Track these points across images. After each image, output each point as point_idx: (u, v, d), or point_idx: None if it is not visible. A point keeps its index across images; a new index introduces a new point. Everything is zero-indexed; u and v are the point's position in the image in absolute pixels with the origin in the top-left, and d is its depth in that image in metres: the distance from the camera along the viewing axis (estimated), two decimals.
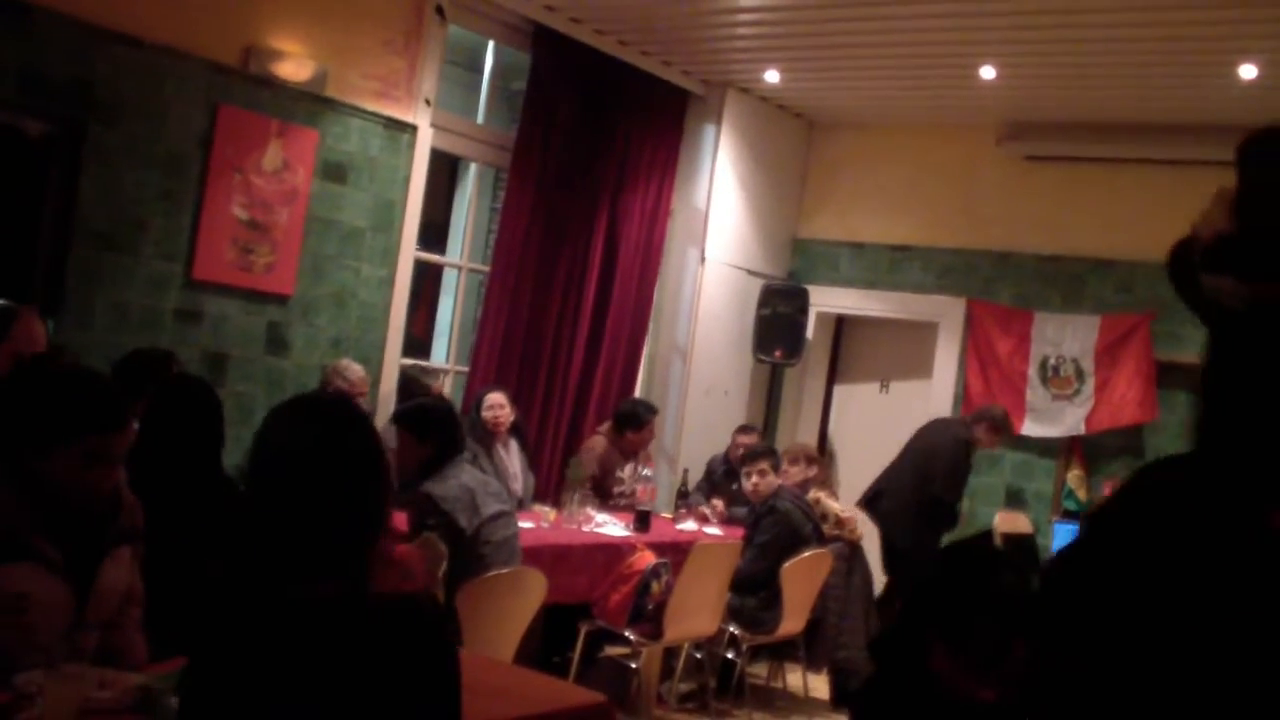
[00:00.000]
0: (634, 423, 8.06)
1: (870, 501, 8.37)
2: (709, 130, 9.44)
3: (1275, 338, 2.00)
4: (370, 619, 2.21)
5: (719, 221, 9.47)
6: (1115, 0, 6.62)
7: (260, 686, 2.08)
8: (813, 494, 7.65)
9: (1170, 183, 8.84)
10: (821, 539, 7.17)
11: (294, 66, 6.90)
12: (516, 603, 5.16)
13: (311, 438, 2.26)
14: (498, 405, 7.54)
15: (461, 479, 5.16)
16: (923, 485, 8.17)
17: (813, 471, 7.81)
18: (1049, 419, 9.22)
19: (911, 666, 2.63)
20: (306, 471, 2.22)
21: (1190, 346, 8.74)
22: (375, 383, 7.51)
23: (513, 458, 7.61)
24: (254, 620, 2.13)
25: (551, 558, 6.08)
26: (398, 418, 5.57)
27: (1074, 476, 9.08)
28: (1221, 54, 7.24)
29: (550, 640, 6.46)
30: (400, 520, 5.25)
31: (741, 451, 8.07)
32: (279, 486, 2.24)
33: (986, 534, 7.92)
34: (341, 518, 2.22)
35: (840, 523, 7.58)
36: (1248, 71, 7.37)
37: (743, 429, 8.75)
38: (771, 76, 9.00)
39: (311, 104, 7.09)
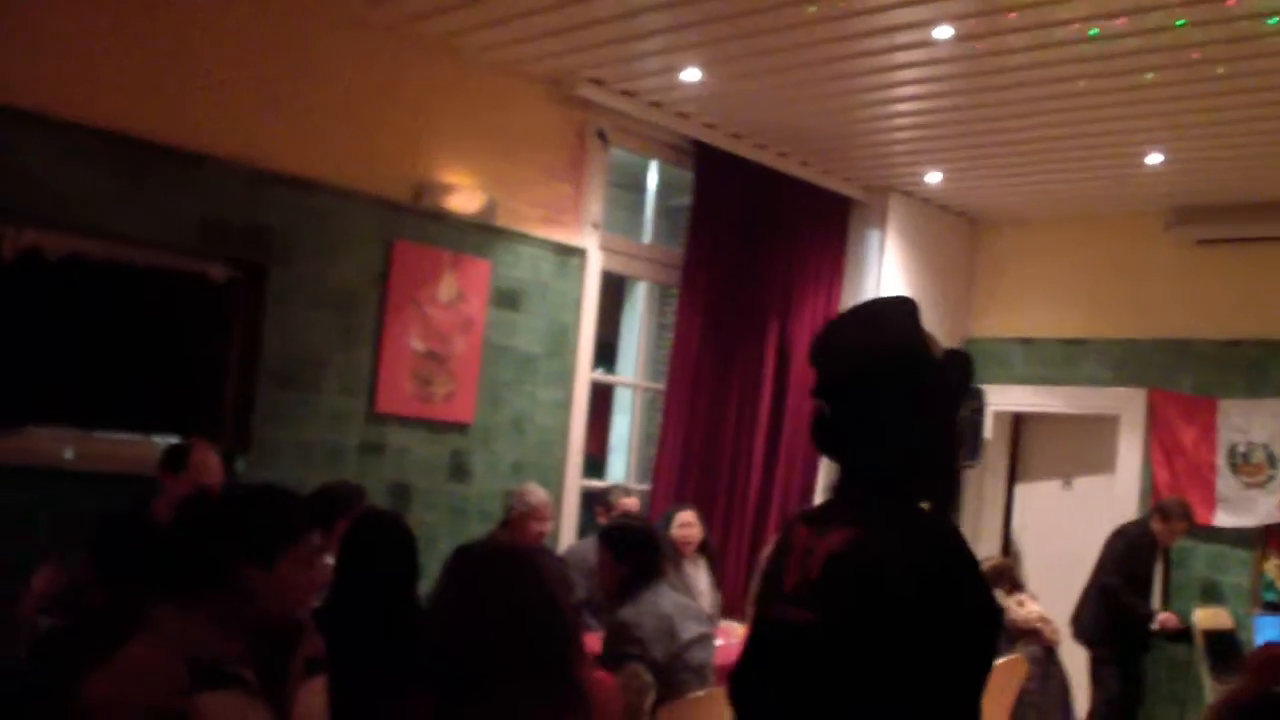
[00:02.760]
0: None
1: (1073, 618, 8.24)
2: (873, 235, 9.42)
3: None
4: None
5: None
6: (1274, 79, 6.50)
7: None
8: (1015, 598, 7.50)
9: None
10: (1013, 643, 7.01)
11: (464, 199, 7.06)
12: None
13: (484, 599, 2.27)
14: (689, 523, 7.54)
15: (659, 603, 5.12)
16: (1099, 581, 8.08)
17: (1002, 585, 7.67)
18: (1241, 508, 8.95)
19: None
20: (482, 636, 2.24)
21: None
22: (556, 503, 7.57)
23: (700, 575, 7.58)
24: None
25: None
26: (600, 535, 5.54)
27: (1272, 566, 8.79)
28: None
29: None
30: (595, 643, 5.24)
31: None
32: (456, 652, 2.26)
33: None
34: (523, 674, 2.22)
35: (1042, 622, 7.41)
36: None
37: None
38: (933, 178, 8.98)
39: (482, 234, 7.25)
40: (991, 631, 2.36)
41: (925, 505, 2.38)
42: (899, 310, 2.48)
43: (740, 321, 8.66)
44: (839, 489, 2.44)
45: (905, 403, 2.37)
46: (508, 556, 2.45)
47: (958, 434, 2.50)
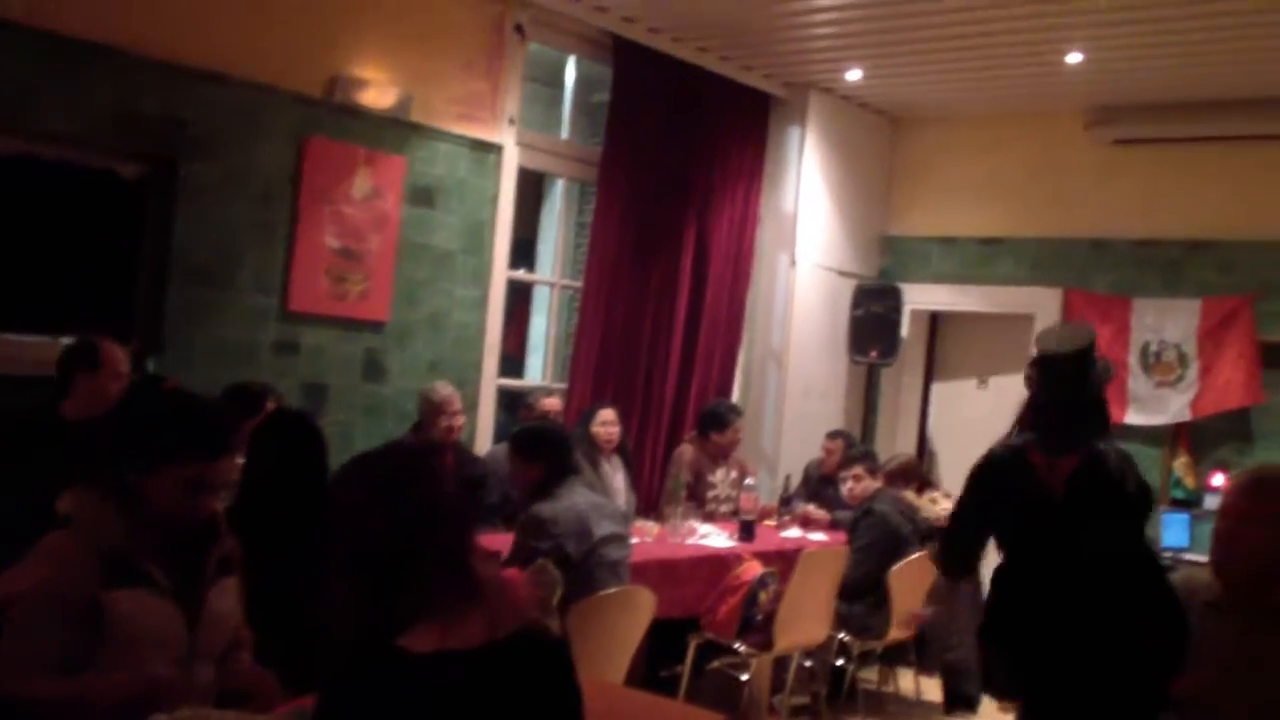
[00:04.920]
0: (717, 424, 8.02)
1: None
2: (793, 133, 9.39)
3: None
4: (489, 662, 2.21)
5: (808, 224, 9.42)
6: None
7: None
8: (926, 495, 7.58)
9: (1265, 158, 8.72)
10: (923, 540, 7.09)
11: (378, 94, 6.94)
12: (626, 622, 5.15)
13: (364, 495, 2.29)
14: (611, 421, 7.57)
15: (574, 501, 5.14)
16: None
17: (909, 487, 7.72)
18: (1153, 407, 9.07)
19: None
20: (362, 531, 2.25)
21: None
22: (473, 405, 7.55)
23: (617, 474, 7.61)
24: (372, 674, 2.14)
25: (657, 572, 6.05)
26: (509, 440, 5.57)
27: (1181, 464, 8.93)
28: None
29: (658, 654, 6.43)
30: (498, 543, 5.27)
31: (832, 457, 8.06)
32: (343, 547, 2.27)
33: None
34: (411, 569, 2.23)
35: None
36: None
37: (831, 434, 8.66)
38: (853, 75, 8.94)
39: (397, 130, 7.14)
40: (1151, 499, 4.24)
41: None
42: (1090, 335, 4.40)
43: (659, 219, 8.61)
44: (1048, 431, 4.18)
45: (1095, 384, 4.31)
46: (394, 456, 2.45)
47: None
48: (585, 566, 5.01)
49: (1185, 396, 8.92)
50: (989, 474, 4.28)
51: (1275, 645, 3.15)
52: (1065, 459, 4.10)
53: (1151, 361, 9.10)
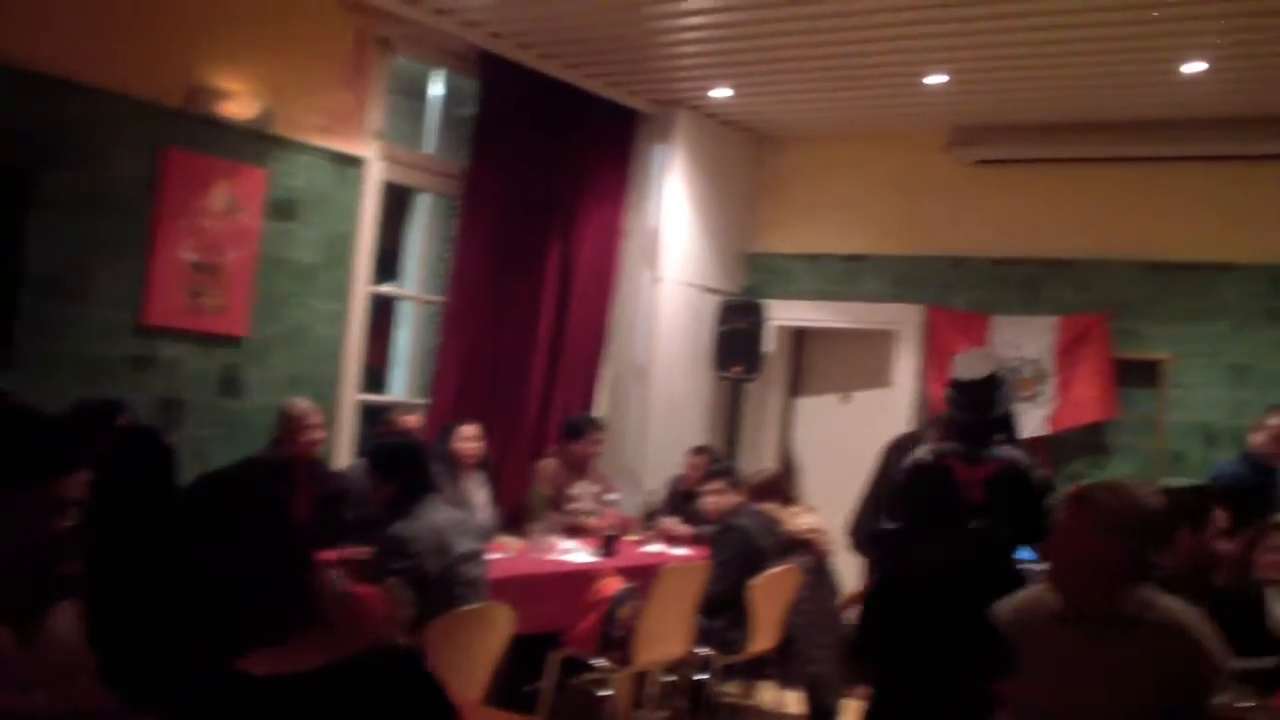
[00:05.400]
0: (574, 433, 8.06)
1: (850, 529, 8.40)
2: (660, 149, 9.44)
3: None
4: (329, 684, 2.19)
5: (672, 240, 9.46)
6: (1057, 3, 6.66)
7: None
8: (788, 510, 7.64)
9: (1120, 180, 8.94)
10: (785, 553, 7.14)
11: (239, 105, 6.85)
12: (485, 639, 5.13)
13: (204, 518, 2.27)
14: (472, 437, 7.53)
15: (433, 519, 5.12)
16: (878, 494, 8.23)
17: (775, 502, 7.78)
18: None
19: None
20: (202, 553, 2.24)
21: (1148, 344, 8.82)
22: (333, 420, 7.47)
23: (479, 490, 7.57)
24: (211, 698, 2.12)
25: (519, 588, 6.03)
26: (367, 454, 5.54)
27: None
28: (1167, 50, 7.28)
29: (520, 671, 6.41)
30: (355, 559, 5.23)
31: (695, 472, 8.10)
32: (183, 570, 2.26)
33: None
34: (250, 592, 2.22)
35: (813, 533, 7.57)
36: (1193, 68, 7.44)
37: (697, 450, 8.71)
38: (719, 93, 9.01)
39: (258, 142, 7.05)
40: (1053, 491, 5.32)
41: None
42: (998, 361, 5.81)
43: (523, 235, 8.61)
44: (965, 441, 5.39)
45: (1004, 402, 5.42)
46: (236, 477, 2.42)
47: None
48: (444, 584, 4.99)
49: (1043, 411, 9.09)
50: (917, 479, 5.41)
51: (1114, 654, 3.24)
52: (982, 467, 5.06)
53: (1010, 378, 9.26)
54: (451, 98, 8.91)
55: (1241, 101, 8.08)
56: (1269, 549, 5.63)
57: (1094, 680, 3.26)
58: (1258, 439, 7.53)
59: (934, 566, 4.16)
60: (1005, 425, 5.54)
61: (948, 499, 5.21)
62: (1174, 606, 3.33)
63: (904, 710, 2.74)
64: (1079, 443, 8.98)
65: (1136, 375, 8.89)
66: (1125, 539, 3.27)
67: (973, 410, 5.39)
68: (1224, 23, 6.78)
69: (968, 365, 5.63)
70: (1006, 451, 5.39)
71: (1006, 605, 3.61)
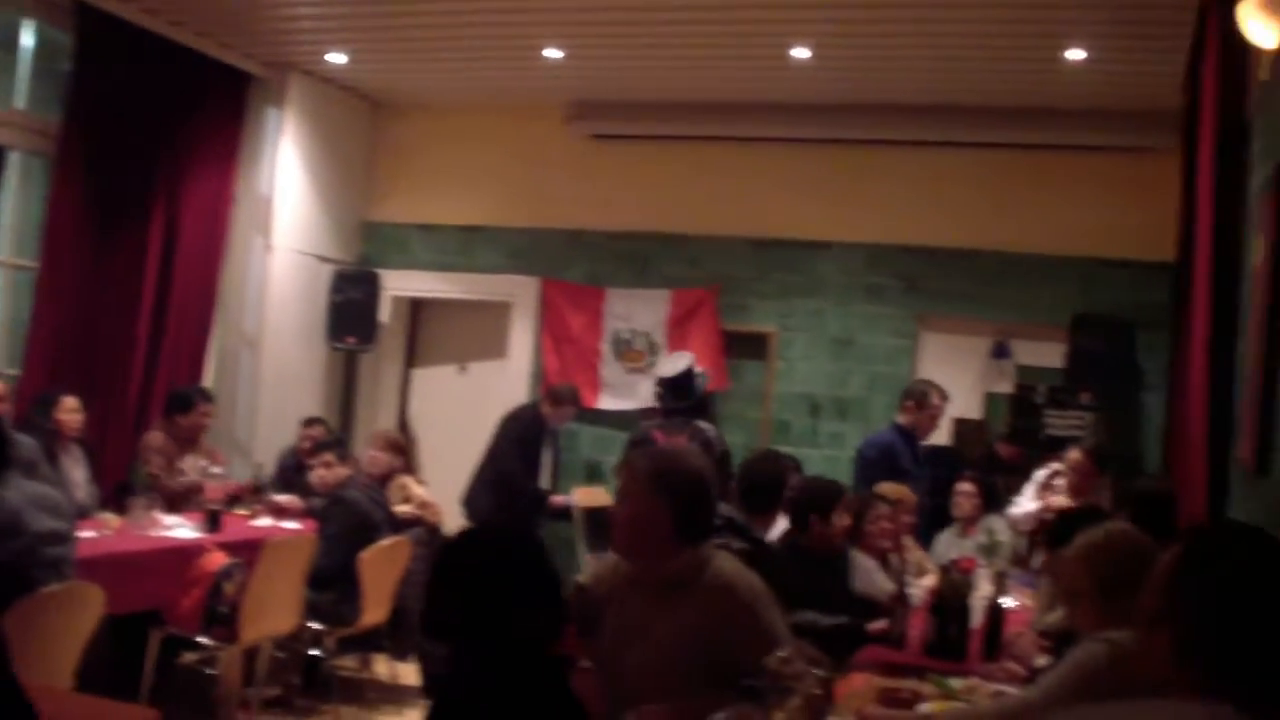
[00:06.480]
0: (182, 406, 7.76)
1: (465, 500, 8.40)
2: (272, 114, 9.23)
3: None
4: None
5: (285, 207, 9.26)
6: None
7: None
8: (398, 480, 7.58)
9: (730, 159, 9.26)
10: (396, 527, 7.09)
11: None
12: (71, 621, 4.87)
13: None
14: (73, 409, 7.18)
15: (7, 497, 4.81)
16: (494, 465, 8.30)
17: (398, 459, 7.72)
18: (624, 392, 9.45)
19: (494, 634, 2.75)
20: None
21: (755, 317, 9.15)
22: None
23: (76, 466, 7.21)
24: None
25: (115, 567, 5.78)
26: None
27: None
28: (776, 36, 7.58)
29: (123, 653, 6.15)
30: None
31: (308, 444, 7.92)
32: None
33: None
34: None
35: (423, 507, 7.54)
36: (801, 54, 7.77)
37: (309, 421, 8.55)
38: (335, 58, 8.85)
39: None
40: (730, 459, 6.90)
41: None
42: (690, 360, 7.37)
43: (125, 197, 8.27)
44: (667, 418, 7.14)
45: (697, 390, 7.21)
46: None
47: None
48: (20, 566, 4.70)
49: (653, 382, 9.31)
50: (630, 447, 7.02)
51: (669, 615, 3.34)
52: (679, 436, 6.75)
53: (623, 349, 9.46)
54: (45, 50, 8.42)
55: (847, 89, 8.48)
56: (874, 519, 5.96)
57: (653, 641, 3.34)
58: (907, 418, 7.81)
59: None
60: (700, 410, 7.26)
61: None
62: (726, 568, 3.44)
63: (474, 677, 2.72)
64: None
65: (745, 347, 9.25)
66: (667, 500, 3.34)
67: (672, 397, 7.20)
68: (829, 12, 7.10)
69: (668, 365, 7.57)
70: (699, 426, 7.00)
71: (596, 567, 3.67)
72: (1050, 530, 4.26)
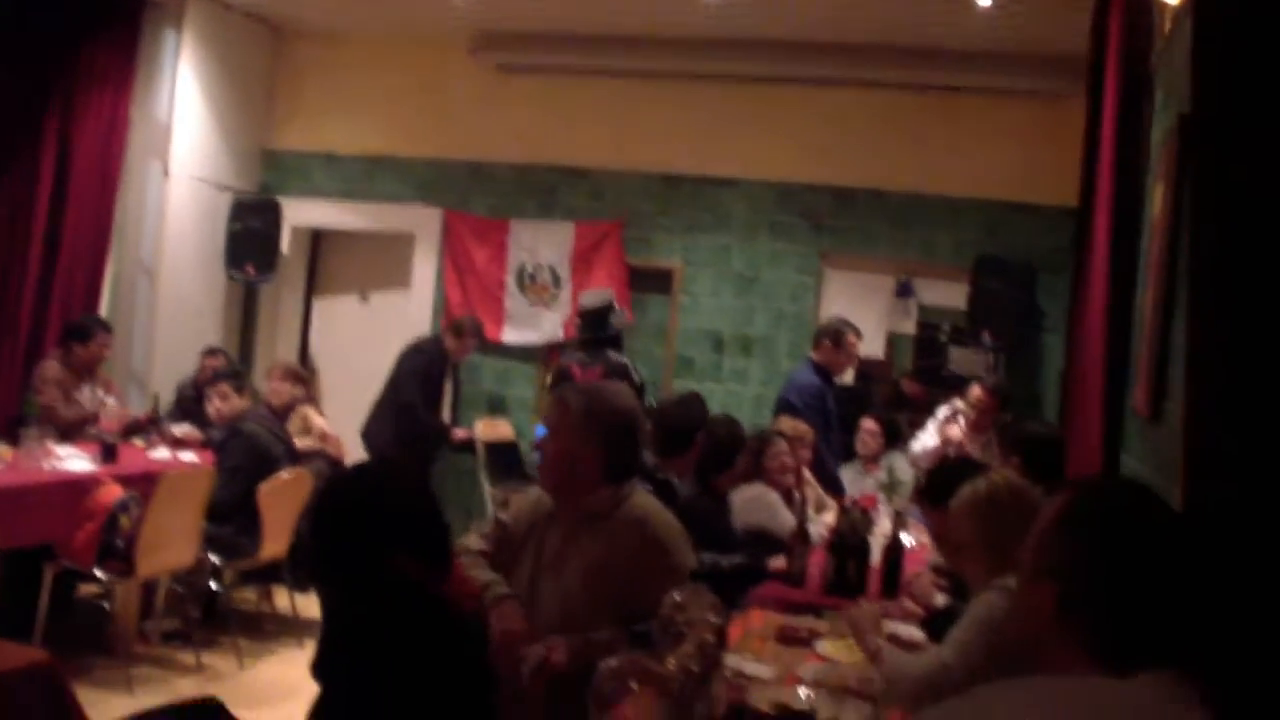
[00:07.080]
0: (80, 335, 7.60)
1: (364, 432, 8.35)
2: (169, 37, 9.01)
3: None
4: None
5: (183, 133, 9.07)
6: None
7: None
8: (299, 411, 7.51)
9: (637, 94, 9.22)
10: (296, 459, 7.02)
11: None
12: None
13: None
14: None
15: None
16: (395, 397, 8.26)
17: (300, 390, 7.64)
18: (528, 325, 9.41)
19: (378, 576, 2.68)
20: None
21: (659, 252, 9.14)
22: None
23: None
24: None
25: (7, 500, 5.71)
26: None
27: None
28: None
29: (16, 589, 6.05)
30: None
31: (207, 375, 7.81)
32: None
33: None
34: None
35: (324, 439, 7.48)
36: None
37: (209, 351, 8.44)
38: None
39: None
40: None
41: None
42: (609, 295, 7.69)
43: (13, 122, 8.08)
44: (585, 351, 7.29)
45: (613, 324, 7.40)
46: None
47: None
48: None
49: (558, 315, 9.31)
50: (554, 379, 7.31)
51: (586, 549, 3.37)
52: (594, 369, 7.09)
53: (527, 282, 9.42)
54: None
55: (755, 24, 8.44)
56: (774, 455, 6.00)
57: (571, 574, 3.36)
58: (822, 356, 7.79)
59: None
60: (615, 342, 7.45)
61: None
62: (643, 503, 3.47)
63: (355, 618, 2.69)
64: None
65: (649, 282, 9.24)
66: (599, 440, 3.37)
67: (591, 329, 7.40)
68: None
69: (589, 297, 7.75)
70: (614, 357, 7.31)
71: (517, 501, 3.67)
72: (926, 486, 4.27)
